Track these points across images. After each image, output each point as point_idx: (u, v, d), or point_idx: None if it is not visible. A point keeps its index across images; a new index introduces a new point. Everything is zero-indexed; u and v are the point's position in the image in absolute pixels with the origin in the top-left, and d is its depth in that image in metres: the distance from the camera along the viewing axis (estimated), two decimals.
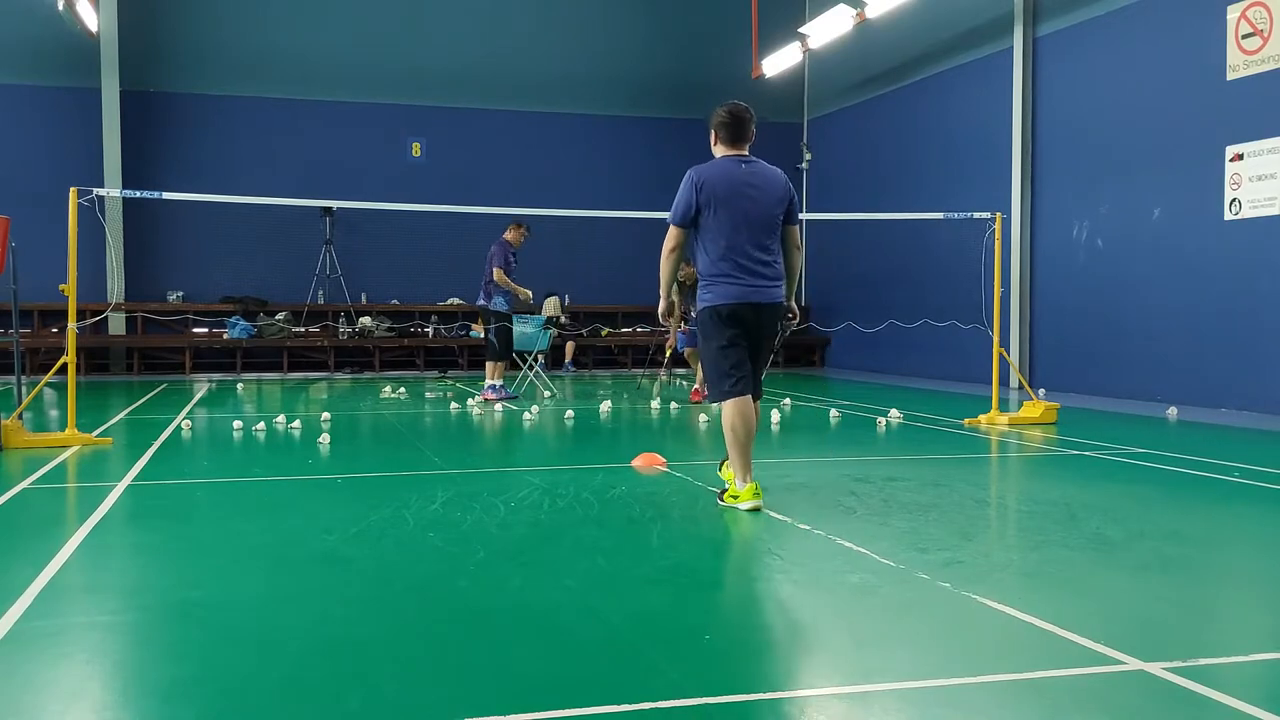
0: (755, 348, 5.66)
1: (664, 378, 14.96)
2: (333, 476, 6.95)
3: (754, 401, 5.61)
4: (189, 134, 17.56)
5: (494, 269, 11.75)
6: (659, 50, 19.43)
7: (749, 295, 5.55)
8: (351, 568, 4.51)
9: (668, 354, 13.48)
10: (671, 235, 5.72)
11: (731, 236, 5.62)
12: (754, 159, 6.04)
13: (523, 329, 12.47)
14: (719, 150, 6.02)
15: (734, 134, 5.98)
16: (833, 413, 10.61)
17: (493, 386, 12.06)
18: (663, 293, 5.98)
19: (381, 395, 12.98)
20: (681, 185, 5.83)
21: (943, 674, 3.18)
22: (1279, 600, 4.23)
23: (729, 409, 5.55)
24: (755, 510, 5.53)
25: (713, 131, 6.05)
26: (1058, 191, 14.00)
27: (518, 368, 13.36)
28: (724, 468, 5.98)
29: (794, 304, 5.95)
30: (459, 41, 18.56)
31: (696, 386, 12.33)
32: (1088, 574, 4.42)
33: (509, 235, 11.93)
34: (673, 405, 11.95)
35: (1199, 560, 4.79)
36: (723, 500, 5.79)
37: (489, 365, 12.27)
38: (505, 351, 12.19)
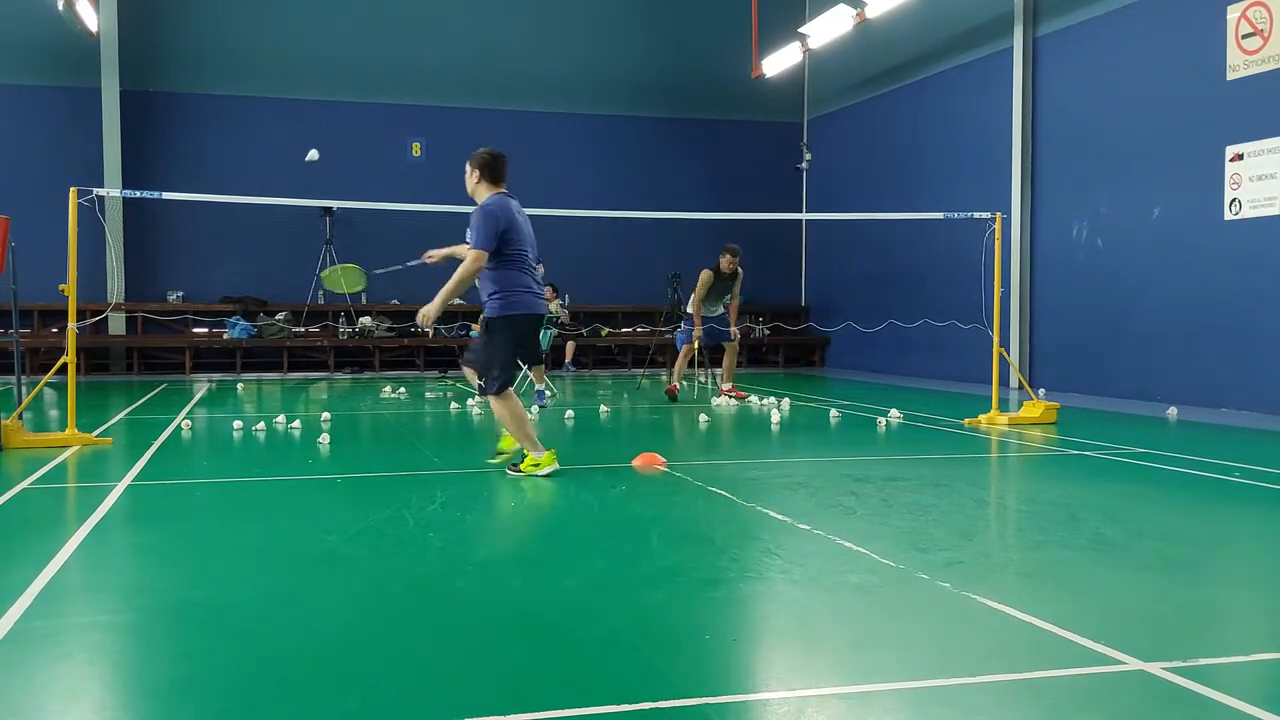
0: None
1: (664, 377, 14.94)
2: (333, 476, 6.95)
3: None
4: (189, 134, 17.55)
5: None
6: (659, 50, 19.43)
7: (539, 307, 6.80)
8: (351, 568, 4.51)
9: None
10: (477, 259, 6.54)
11: (527, 259, 6.71)
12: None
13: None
14: (488, 189, 6.80)
15: (499, 174, 6.85)
16: (833, 413, 10.61)
17: (539, 391, 11.57)
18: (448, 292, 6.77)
19: (381, 395, 12.98)
20: (484, 217, 6.57)
21: (943, 674, 3.18)
22: (1279, 600, 4.23)
23: (509, 400, 6.67)
24: (555, 472, 6.59)
25: (478, 170, 6.83)
26: (1058, 191, 14.00)
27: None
28: (502, 444, 7.08)
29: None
30: (459, 41, 18.56)
31: (730, 384, 12.38)
32: (1088, 574, 4.43)
33: None
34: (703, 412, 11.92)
35: (1199, 560, 4.79)
36: (519, 470, 6.63)
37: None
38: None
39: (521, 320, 6.68)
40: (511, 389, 6.74)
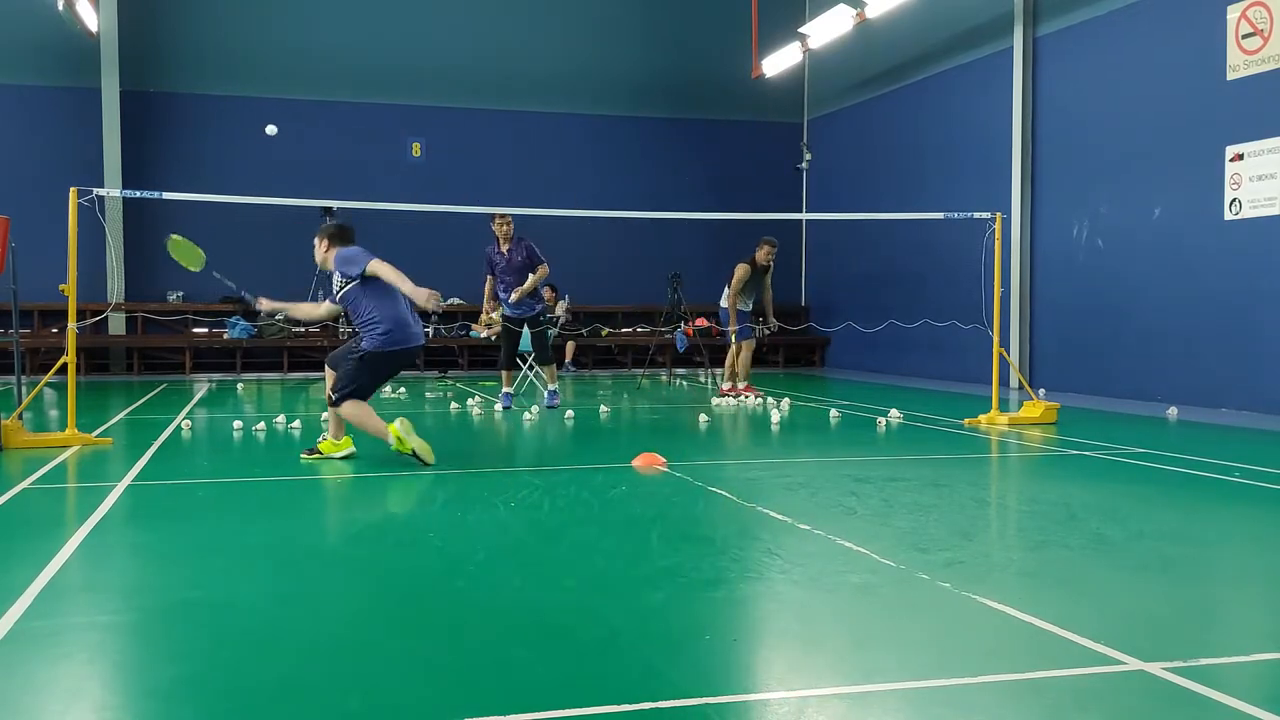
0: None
1: (665, 378, 14.99)
2: (332, 477, 6.95)
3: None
4: (189, 134, 17.55)
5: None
6: (659, 50, 19.43)
7: (417, 340, 7.60)
8: (351, 567, 4.51)
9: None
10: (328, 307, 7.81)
11: (401, 301, 7.38)
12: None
13: (509, 327, 12.14)
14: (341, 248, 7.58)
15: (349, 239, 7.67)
16: (833, 413, 10.61)
17: (504, 394, 11.48)
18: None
19: (381, 395, 12.98)
20: (358, 254, 7.39)
21: (943, 674, 3.18)
22: (1279, 600, 4.23)
23: (363, 406, 7.34)
24: (352, 455, 7.41)
25: (326, 239, 7.67)
26: (1058, 191, 14.00)
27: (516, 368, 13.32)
28: (327, 443, 7.54)
29: None
30: (459, 41, 18.56)
31: (730, 384, 12.38)
32: (1088, 574, 4.43)
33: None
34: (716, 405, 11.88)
35: (1199, 560, 4.79)
36: (316, 453, 7.42)
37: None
38: (505, 357, 11.55)
39: (394, 351, 7.43)
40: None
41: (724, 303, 12.56)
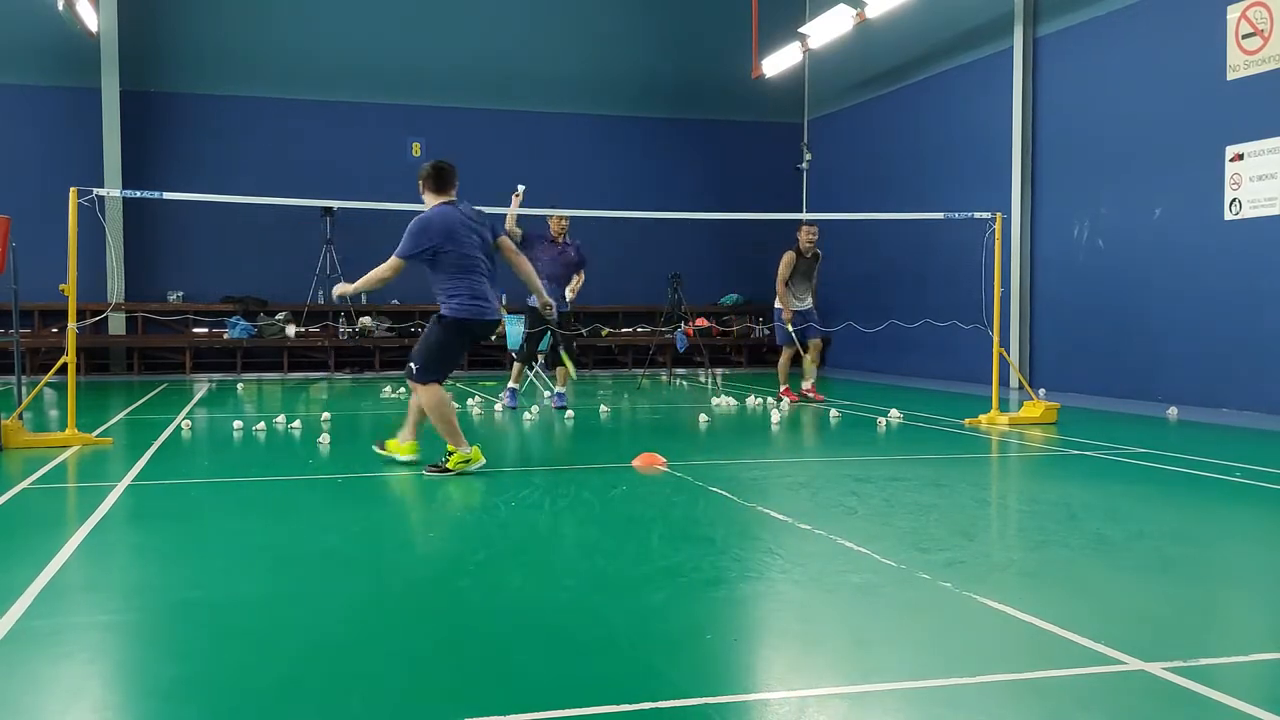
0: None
1: (664, 378, 14.98)
2: (333, 476, 6.95)
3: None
4: (189, 134, 17.55)
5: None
6: (659, 50, 19.43)
7: (488, 313, 6.88)
8: (352, 567, 4.51)
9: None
10: (392, 266, 6.86)
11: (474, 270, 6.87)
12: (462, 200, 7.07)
13: (516, 329, 12.24)
14: (433, 198, 6.99)
15: (443, 184, 6.99)
16: (833, 413, 10.61)
17: (511, 391, 11.40)
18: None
19: (382, 396, 12.98)
20: (413, 230, 6.80)
21: (943, 674, 3.18)
22: (1279, 600, 4.23)
23: (444, 393, 6.81)
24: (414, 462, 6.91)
25: (421, 181, 7.04)
26: (1058, 191, 14.00)
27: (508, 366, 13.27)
28: (398, 444, 7.13)
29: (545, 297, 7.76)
30: (459, 41, 18.56)
31: (786, 385, 12.15)
32: (1088, 574, 4.43)
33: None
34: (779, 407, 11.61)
35: (1199, 560, 4.79)
36: (446, 468, 6.68)
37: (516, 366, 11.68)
38: (526, 351, 11.43)
39: (467, 324, 6.85)
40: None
41: (777, 303, 12.20)
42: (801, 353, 12.19)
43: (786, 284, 12.04)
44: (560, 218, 11.32)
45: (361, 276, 7.09)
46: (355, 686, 3.07)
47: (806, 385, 12.23)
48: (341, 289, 7.16)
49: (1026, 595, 4.06)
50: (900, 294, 16.76)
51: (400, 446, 7.11)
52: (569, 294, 11.29)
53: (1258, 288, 11.00)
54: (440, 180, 6.94)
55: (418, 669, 3.24)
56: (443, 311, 6.85)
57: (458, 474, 6.66)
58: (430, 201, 6.95)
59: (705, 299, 19.23)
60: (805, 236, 11.97)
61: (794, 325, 11.97)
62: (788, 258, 11.95)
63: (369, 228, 17.70)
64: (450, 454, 6.76)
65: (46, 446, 7.96)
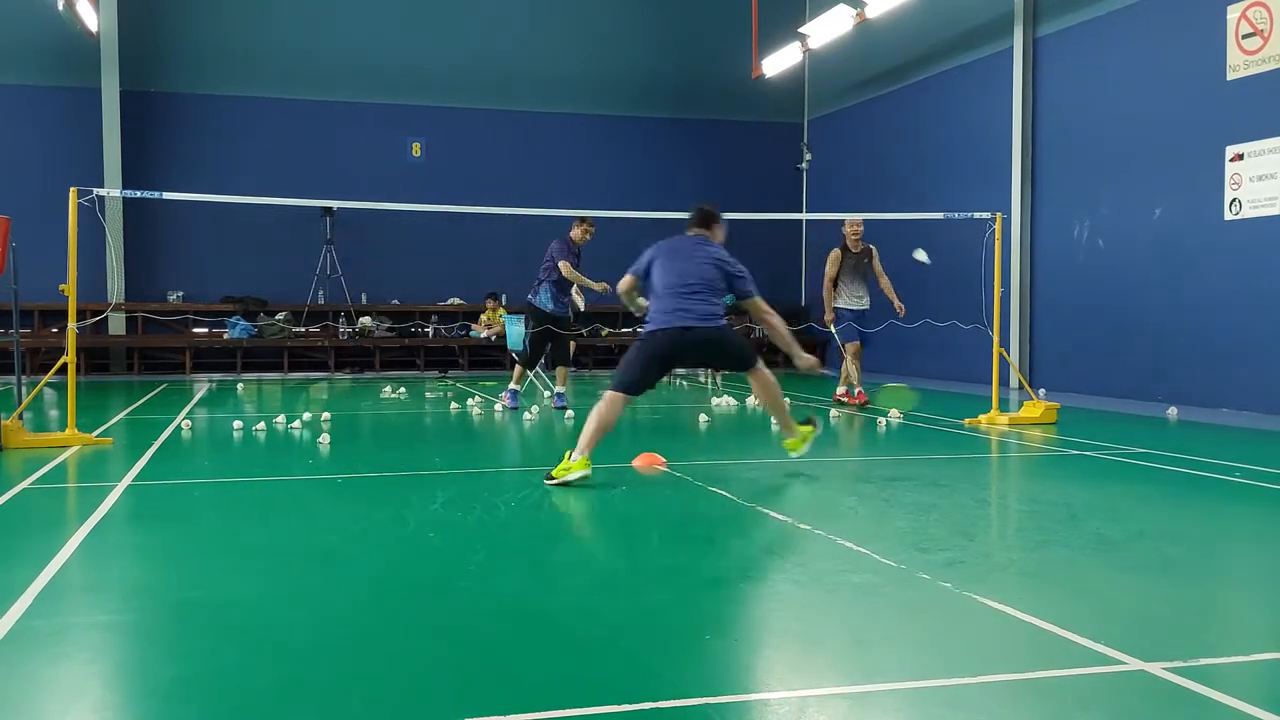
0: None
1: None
2: (333, 476, 6.95)
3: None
4: (189, 134, 17.55)
5: (560, 263, 10.96)
6: (659, 50, 19.43)
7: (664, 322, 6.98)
8: (352, 567, 4.51)
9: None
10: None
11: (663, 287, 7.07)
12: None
13: (517, 329, 12.14)
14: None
15: (691, 221, 7.37)
16: (833, 413, 10.60)
17: (512, 391, 11.37)
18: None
19: (382, 395, 12.98)
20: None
21: (943, 674, 3.18)
22: (1279, 600, 4.23)
23: (613, 402, 6.72)
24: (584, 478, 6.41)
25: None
26: (1058, 191, 14.00)
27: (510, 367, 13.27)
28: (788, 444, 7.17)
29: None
30: (459, 41, 18.56)
31: (844, 389, 11.71)
32: (1088, 574, 4.42)
33: (573, 233, 11.23)
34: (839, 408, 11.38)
35: (1199, 560, 4.79)
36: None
37: (517, 367, 11.63)
38: (530, 354, 11.47)
39: (650, 335, 7.00)
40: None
41: (837, 302, 11.76)
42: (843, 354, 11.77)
43: (835, 283, 11.67)
44: (588, 228, 11.23)
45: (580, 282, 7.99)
46: (355, 686, 3.07)
47: (840, 390, 11.86)
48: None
49: (1026, 595, 4.05)
50: (900, 293, 16.73)
51: (567, 466, 6.44)
52: (578, 299, 11.43)
53: (1258, 288, 11.00)
54: (699, 221, 7.31)
55: (418, 669, 3.24)
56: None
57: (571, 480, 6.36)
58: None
59: None
60: (850, 231, 11.58)
61: (836, 325, 11.75)
62: (833, 255, 11.64)
63: (369, 228, 17.74)
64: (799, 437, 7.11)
65: (46, 446, 7.96)
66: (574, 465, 6.32)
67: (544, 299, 11.16)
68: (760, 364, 7.02)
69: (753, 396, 8.24)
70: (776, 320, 7.16)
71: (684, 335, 6.78)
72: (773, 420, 7.32)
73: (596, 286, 11.10)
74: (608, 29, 19.28)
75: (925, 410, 11.01)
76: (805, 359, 7.17)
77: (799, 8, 19.14)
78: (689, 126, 19.67)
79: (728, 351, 7.17)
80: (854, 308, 11.82)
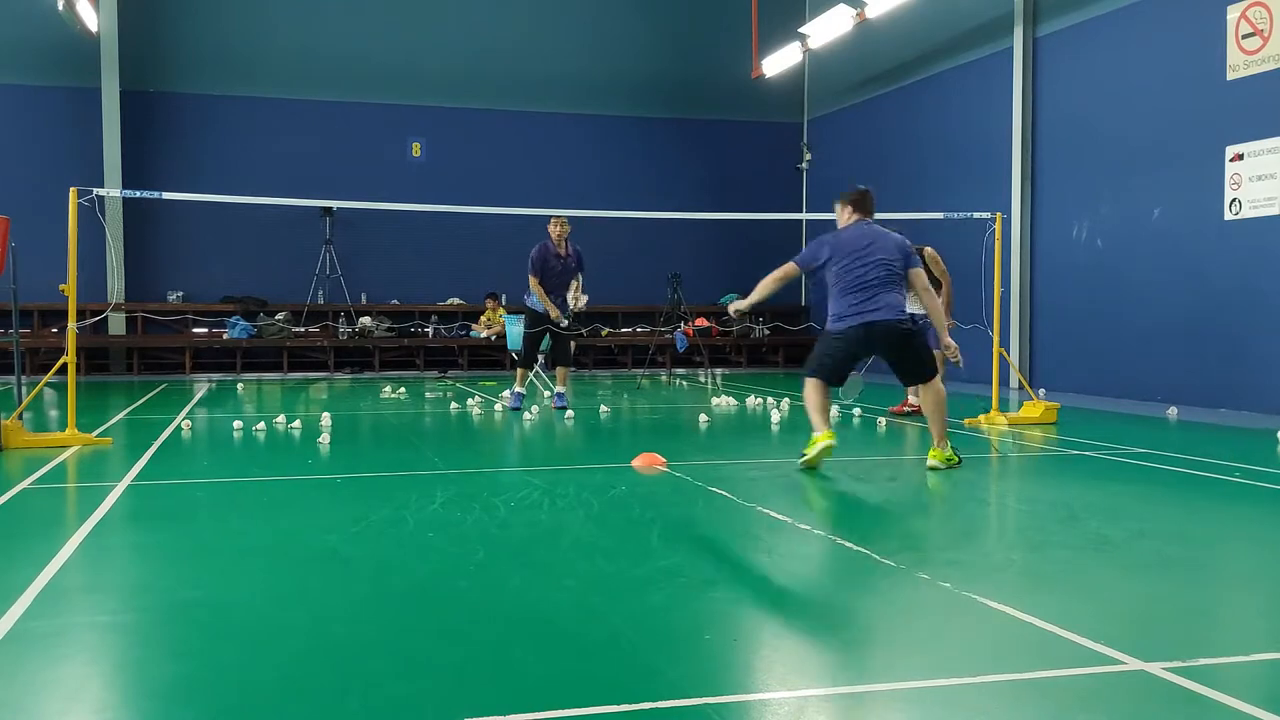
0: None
1: (664, 378, 14.95)
2: (333, 476, 6.95)
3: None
4: (189, 134, 17.56)
5: (530, 275, 10.97)
6: (659, 50, 19.44)
7: (847, 322, 7.14)
8: (351, 567, 4.51)
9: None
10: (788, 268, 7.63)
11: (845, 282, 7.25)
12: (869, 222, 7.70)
13: (516, 329, 12.16)
14: (848, 218, 7.74)
15: (860, 207, 7.69)
16: (833, 412, 10.59)
17: (515, 393, 11.30)
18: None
19: (381, 395, 12.98)
20: (816, 249, 7.51)
21: (943, 674, 3.18)
22: (1279, 600, 4.23)
23: (819, 388, 7.12)
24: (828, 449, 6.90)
25: (849, 205, 7.73)
26: (1058, 191, 14.00)
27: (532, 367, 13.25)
28: (934, 454, 7.15)
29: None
30: (459, 41, 18.57)
31: (912, 400, 10.48)
32: (1088, 574, 4.42)
33: (549, 231, 11.14)
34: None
35: (1199, 560, 4.79)
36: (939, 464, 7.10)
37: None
38: (526, 355, 11.47)
39: (833, 334, 7.14)
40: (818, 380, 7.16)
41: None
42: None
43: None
44: (560, 224, 11.09)
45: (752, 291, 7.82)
46: (355, 686, 3.07)
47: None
48: (739, 306, 7.82)
49: (1026, 595, 4.05)
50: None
51: (813, 441, 6.97)
52: (571, 300, 11.21)
53: (1257, 288, 11.00)
54: (862, 206, 7.64)
55: (417, 669, 3.24)
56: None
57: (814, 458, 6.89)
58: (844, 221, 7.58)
59: (705, 299, 19.22)
60: (930, 257, 10.55)
61: None
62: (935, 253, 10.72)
63: (369, 228, 17.75)
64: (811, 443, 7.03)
65: (46, 446, 7.96)
66: (818, 439, 6.85)
67: (535, 299, 11.15)
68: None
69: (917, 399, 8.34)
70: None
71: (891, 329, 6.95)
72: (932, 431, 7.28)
73: (553, 313, 11.07)
74: (607, 29, 19.29)
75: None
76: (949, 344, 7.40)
77: (799, 8, 19.14)
78: (689, 126, 19.68)
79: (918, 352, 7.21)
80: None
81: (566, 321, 11.20)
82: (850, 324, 6.99)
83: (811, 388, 7.11)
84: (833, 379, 7.16)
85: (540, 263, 10.98)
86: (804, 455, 6.96)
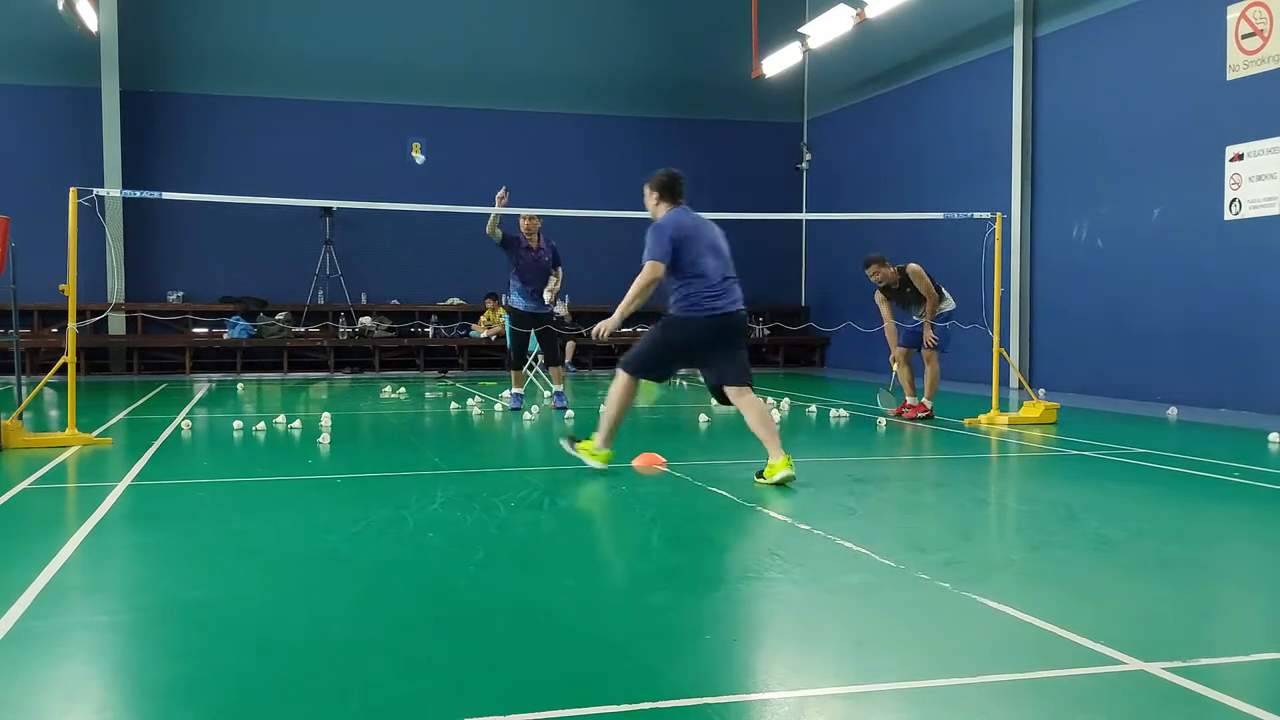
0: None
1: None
2: (333, 476, 6.95)
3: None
4: (189, 134, 17.56)
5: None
6: (659, 50, 19.44)
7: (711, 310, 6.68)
8: (351, 567, 4.51)
9: None
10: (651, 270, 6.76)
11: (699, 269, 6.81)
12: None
13: (516, 328, 12.11)
14: (666, 207, 7.16)
15: (676, 192, 7.17)
16: (832, 412, 10.61)
17: (515, 394, 11.29)
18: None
19: (381, 395, 12.98)
20: (658, 239, 6.86)
21: (943, 674, 3.18)
22: (1279, 600, 4.23)
23: (628, 386, 6.78)
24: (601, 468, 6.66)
25: (656, 191, 7.18)
26: (1058, 191, 14.00)
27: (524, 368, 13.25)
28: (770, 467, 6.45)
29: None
30: (459, 41, 18.57)
31: (910, 400, 10.53)
32: (1088, 574, 4.42)
33: (519, 225, 11.14)
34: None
35: (1199, 560, 4.79)
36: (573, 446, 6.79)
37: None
38: (515, 357, 11.44)
39: (679, 324, 6.68)
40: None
41: (944, 307, 10.52)
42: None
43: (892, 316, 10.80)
44: (529, 218, 11.07)
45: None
46: (354, 686, 3.07)
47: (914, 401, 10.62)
48: (604, 326, 6.91)
49: (1026, 595, 4.05)
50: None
51: (594, 452, 6.75)
52: (548, 296, 11.18)
53: (1257, 288, 11.00)
54: (673, 191, 7.18)
55: (417, 669, 3.24)
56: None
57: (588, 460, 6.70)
58: (662, 211, 7.12)
59: None
60: (872, 274, 10.68)
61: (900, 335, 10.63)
62: (920, 268, 10.45)
63: (369, 228, 17.74)
64: (581, 445, 6.82)
65: (46, 446, 7.96)
66: (600, 455, 6.67)
67: (515, 298, 11.18)
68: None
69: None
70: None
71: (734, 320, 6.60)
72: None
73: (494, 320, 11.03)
74: (607, 29, 19.29)
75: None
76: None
77: (799, 8, 19.14)
78: (689, 126, 19.67)
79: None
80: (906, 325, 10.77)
81: (548, 299, 11.20)
82: (708, 313, 6.53)
83: (627, 389, 6.70)
84: (658, 376, 6.90)
85: (513, 253, 11.00)
86: (584, 453, 6.64)
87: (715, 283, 6.65)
